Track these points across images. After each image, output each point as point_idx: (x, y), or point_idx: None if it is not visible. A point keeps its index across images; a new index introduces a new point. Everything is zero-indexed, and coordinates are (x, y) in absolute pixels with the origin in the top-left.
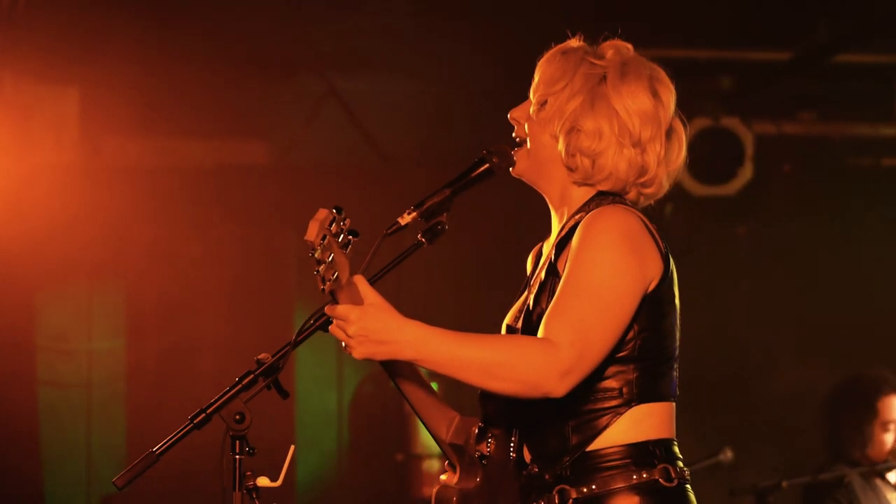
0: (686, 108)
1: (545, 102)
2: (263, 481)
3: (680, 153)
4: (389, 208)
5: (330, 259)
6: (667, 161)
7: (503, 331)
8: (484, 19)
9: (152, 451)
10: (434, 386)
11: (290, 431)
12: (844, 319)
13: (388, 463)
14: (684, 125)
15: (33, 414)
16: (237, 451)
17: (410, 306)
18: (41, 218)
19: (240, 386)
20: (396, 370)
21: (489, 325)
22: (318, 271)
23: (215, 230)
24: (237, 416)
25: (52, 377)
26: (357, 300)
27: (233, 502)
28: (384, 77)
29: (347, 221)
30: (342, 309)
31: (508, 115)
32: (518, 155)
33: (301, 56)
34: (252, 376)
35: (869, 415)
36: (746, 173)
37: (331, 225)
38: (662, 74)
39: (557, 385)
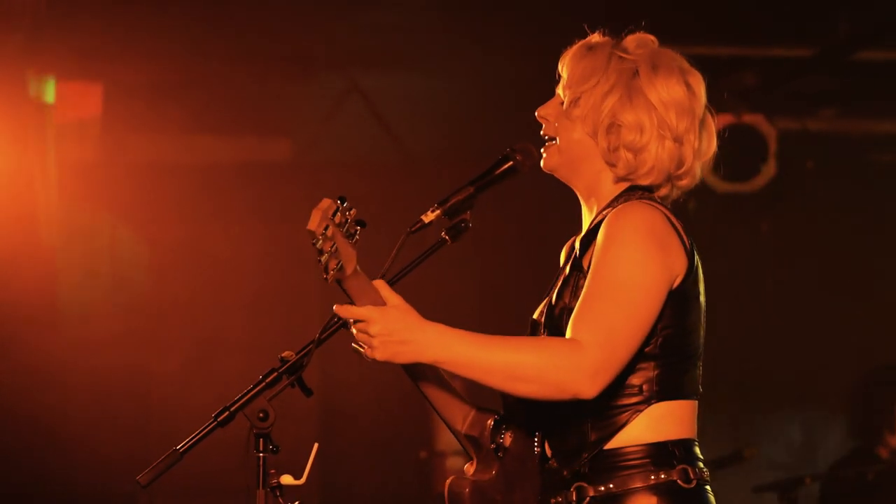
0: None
1: (578, 99)
2: (287, 479)
3: (711, 143)
4: (411, 205)
5: (333, 249)
6: (700, 152)
7: (528, 325)
8: (504, 15)
9: (176, 449)
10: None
11: (314, 429)
12: (868, 315)
13: (412, 460)
14: (712, 115)
15: (56, 411)
16: (261, 448)
17: (433, 305)
18: (64, 216)
19: (264, 384)
20: (414, 368)
21: (513, 323)
22: (320, 261)
23: (238, 227)
24: (261, 414)
25: (74, 375)
26: (367, 291)
27: (257, 500)
28: (407, 74)
29: (353, 211)
30: (362, 310)
31: (536, 113)
32: (549, 151)
33: (323, 53)
34: (276, 374)
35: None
36: (769, 170)
37: (334, 215)
38: (689, 65)
39: (589, 387)
